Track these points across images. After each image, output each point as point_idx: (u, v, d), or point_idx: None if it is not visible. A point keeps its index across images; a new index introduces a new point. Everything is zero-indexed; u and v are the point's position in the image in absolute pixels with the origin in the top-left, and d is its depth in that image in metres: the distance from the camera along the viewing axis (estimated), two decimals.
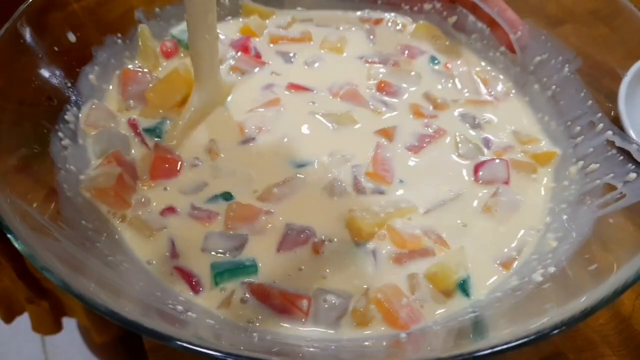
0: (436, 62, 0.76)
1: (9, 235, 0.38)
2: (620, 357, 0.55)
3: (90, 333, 1.09)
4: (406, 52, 0.77)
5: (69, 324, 1.11)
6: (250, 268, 0.51)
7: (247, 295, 0.49)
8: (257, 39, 0.77)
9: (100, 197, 0.54)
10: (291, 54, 0.75)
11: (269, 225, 0.54)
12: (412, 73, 0.73)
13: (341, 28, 0.81)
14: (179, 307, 0.46)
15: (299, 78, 0.70)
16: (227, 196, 0.57)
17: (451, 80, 0.73)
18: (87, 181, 0.55)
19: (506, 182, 0.61)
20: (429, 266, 0.52)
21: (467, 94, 0.72)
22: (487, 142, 0.65)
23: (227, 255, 0.52)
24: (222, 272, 0.50)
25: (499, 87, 0.73)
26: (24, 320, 1.03)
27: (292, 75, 0.71)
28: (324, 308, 0.49)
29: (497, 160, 0.62)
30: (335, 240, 0.54)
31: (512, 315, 0.46)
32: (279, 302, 0.49)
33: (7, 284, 0.91)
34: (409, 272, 0.52)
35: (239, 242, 0.53)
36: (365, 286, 0.51)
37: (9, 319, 1.02)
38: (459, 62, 0.75)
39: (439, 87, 0.72)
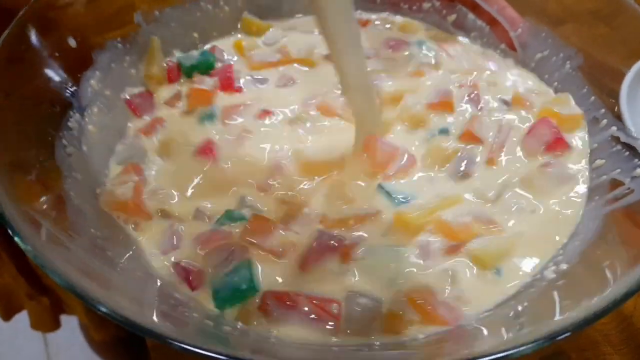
0: (426, 45, 0.74)
1: (16, 239, 0.38)
2: (622, 355, 0.55)
3: (89, 331, 1.08)
4: (392, 43, 0.75)
5: (71, 322, 1.11)
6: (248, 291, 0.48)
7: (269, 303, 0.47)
8: (240, 62, 0.74)
9: (118, 209, 0.54)
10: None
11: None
12: (406, 53, 0.72)
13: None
14: (195, 315, 0.46)
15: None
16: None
17: (444, 53, 0.73)
18: (105, 195, 0.55)
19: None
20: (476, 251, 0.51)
21: (466, 66, 0.71)
22: (505, 101, 0.66)
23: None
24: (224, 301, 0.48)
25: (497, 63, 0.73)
26: (24, 319, 1.02)
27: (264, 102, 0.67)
28: (357, 312, 0.46)
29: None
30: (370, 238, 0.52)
31: (530, 314, 0.46)
32: (307, 308, 0.46)
33: (7, 280, 0.91)
34: (453, 265, 0.51)
35: None
36: (399, 286, 0.49)
37: (7, 317, 1.01)
38: (456, 45, 0.75)
39: (436, 58, 0.72)
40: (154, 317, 0.41)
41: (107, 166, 0.60)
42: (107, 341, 1.08)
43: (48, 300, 0.97)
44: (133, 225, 0.54)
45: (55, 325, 1.05)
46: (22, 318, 1.03)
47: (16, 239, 0.38)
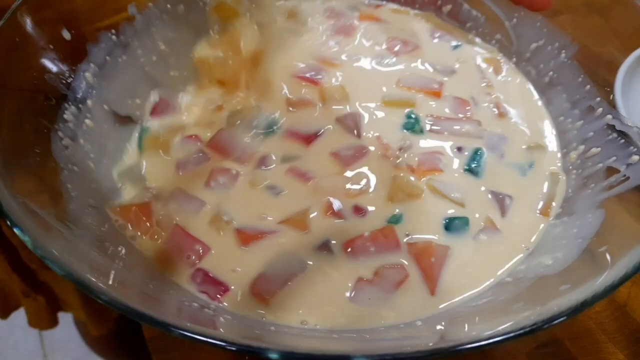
0: None
1: (15, 231, 0.38)
2: (616, 343, 0.55)
3: (86, 327, 1.08)
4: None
5: (66, 318, 1.10)
6: None
7: None
8: None
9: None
10: None
11: None
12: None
13: None
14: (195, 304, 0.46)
15: None
16: None
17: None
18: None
19: None
20: None
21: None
22: None
23: None
24: None
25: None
26: (20, 316, 1.02)
27: None
28: None
29: None
30: None
31: (528, 299, 0.46)
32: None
33: (2, 277, 0.90)
34: None
35: None
36: None
37: (4, 314, 1.00)
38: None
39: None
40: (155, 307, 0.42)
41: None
42: (104, 336, 1.08)
43: (44, 298, 0.96)
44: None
45: (53, 322, 1.04)
46: (18, 314, 1.02)
47: (15, 230, 0.38)
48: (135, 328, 0.58)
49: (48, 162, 0.51)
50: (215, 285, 0.50)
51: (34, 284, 0.92)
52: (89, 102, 0.61)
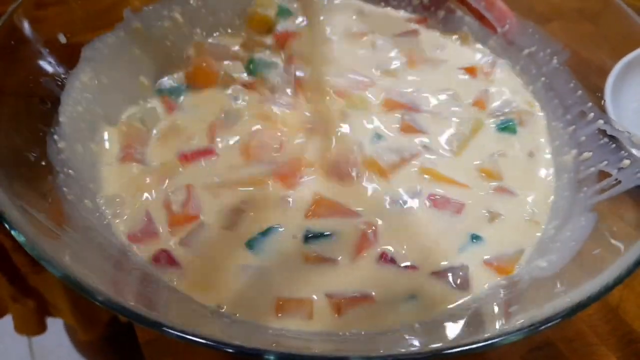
0: None
1: (13, 233, 0.38)
2: (608, 345, 0.56)
3: (76, 332, 1.07)
4: None
5: (55, 324, 1.09)
6: None
7: None
8: None
9: None
10: None
11: None
12: None
13: None
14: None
15: None
16: None
17: None
18: None
19: None
20: None
21: None
22: None
23: None
24: None
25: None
26: (8, 321, 1.01)
27: None
28: None
29: None
30: None
31: (523, 301, 0.47)
32: None
33: None
34: None
35: None
36: None
37: None
38: None
39: None
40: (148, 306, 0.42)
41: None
42: (95, 342, 1.07)
43: (33, 302, 0.95)
44: None
45: (41, 328, 1.03)
46: (6, 320, 1.01)
47: (13, 233, 0.38)
48: (127, 332, 0.57)
49: (44, 166, 0.51)
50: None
51: (23, 288, 0.92)
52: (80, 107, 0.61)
